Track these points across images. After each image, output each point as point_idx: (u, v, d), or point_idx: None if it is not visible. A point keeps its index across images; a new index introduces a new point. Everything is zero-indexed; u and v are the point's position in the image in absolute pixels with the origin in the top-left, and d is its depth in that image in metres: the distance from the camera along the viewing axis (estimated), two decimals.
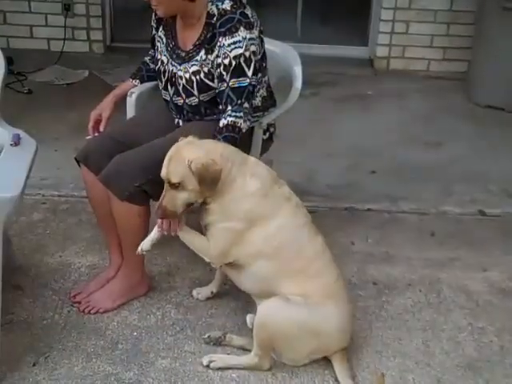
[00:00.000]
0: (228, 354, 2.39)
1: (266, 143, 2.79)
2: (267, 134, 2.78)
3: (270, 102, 2.76)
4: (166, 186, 2.21)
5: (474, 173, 3.79)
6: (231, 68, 2.45)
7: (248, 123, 2.50)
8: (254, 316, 2.31)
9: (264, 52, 2.62)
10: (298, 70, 2.91)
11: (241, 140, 2.49)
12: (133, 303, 2.62)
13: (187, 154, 2.18)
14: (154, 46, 2.77)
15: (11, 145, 2.38)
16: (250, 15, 2.49)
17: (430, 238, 3.18)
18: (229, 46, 2.44)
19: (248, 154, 2.59)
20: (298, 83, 2.90)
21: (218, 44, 2.46)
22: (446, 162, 3.91)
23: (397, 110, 4.65)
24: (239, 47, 2.44)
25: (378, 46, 5.36)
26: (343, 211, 3.37)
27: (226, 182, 2.20)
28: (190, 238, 2.33)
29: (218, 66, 2.48)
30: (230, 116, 2.44)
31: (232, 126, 2.44)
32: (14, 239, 2.84)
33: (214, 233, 2.27)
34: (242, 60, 2.45)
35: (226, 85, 2.47)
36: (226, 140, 2.41)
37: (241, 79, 2.46)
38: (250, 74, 2.47)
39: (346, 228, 3.21)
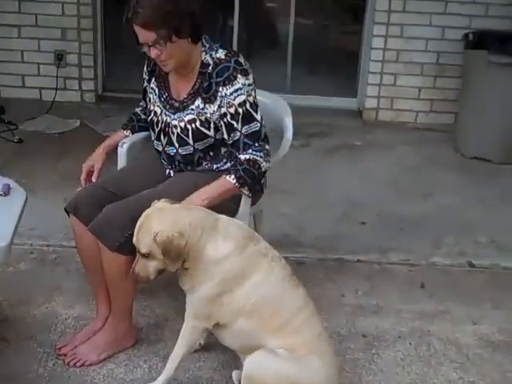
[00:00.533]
0: None
1: (257, 194, 2.80)
2: (257, 185, 2.79)
3: None
4: (137, 256, 2.24)
5: (462, 224, 3.81)
6: (240, 116, 2.49)
7: (268, 164, 2.53)
8: (240, 372, 2.29)
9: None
10: (288, 121, 2.94)
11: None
12: (119, 356, 2.58)
13: (154, 225, 2.18)
14: (145, 97, 2.79)
15: (0, 195, 2.38)
16: (243, 63, 2.54)
17: (420, 290, 3.17)
18: (231, 94, 2.48)
19: (239, 204, 2.63)
20: (289, 134, 2.92)
21: (219, 94, 2.49)
22: (434, 213, 3.94)
23: (385, 160, 4.70)
24: (241, 94, 2.48)
25: (366, 97, 5.45)
26: (332, 262, 3.36)
27: (197, 249, 2.20)
28: (174, 355, 2.35)
29: (224, 115, 2.51)
30: (252, 154, 2.49)
31: (253, 162, 2.49)
32: (0, 290, 2.81)
33: (193, 302, 2.29)
34: (248, 106, 2.49)
35: (238, 134, 2.51)
36: (246, 173, 2.47)
37: (252, 124, 2.51)
38: (258, 117, 2.52)
39: (336, 279, 3.20)
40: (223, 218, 2.31)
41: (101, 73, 5.61)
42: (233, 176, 2.48)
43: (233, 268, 2.22)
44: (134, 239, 2.23)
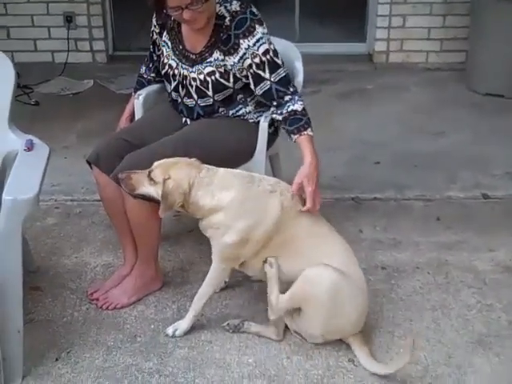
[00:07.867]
0: (241, 344, 2.44)
1: (272, 137, 2.85)
2: (272, 128, 2.84)
3: None
4: (146, 171, 2.32)
5: (476, 158, 3.85)
6: (266, 65, 2.53)
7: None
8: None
9: None
10: (299, 65, 2.95)
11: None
12: (148, 298, 2.69)
13: (173, 171, 2.28)
14: (154, 50, 2.83)
15: (25, 150, 2.45)
16: (256, 12, 2.57)
17: (436, 223, 3.24)
18: (254, 45, 2.52)
19: (255, 148, 2.71)
20: (300, 77, 2.93)
21: (242, 46, 2.53)
22: (448, 150, 3.98)
23: (398, 102, 4.73)
24: (263, 43, 2.52)
25: (376, 40, 5.44)
26: (350, 201, 3.43)
27: (194, 203, 2.29)
28: (202, 293, 2.45)
29: (249, 66, 2.55)
30: (301, 101, 2.55)
31: (305, 110, 2.57)
32: (30, 243, 2.90)
33: (219, 248, 2.36)
34: (271, 54, 2.54)
35: (268, 82, 2.55)
36: (311, 121, 2.54)
37: (279, 71, 2.56)
38: (281, 63, 2.57)
39: (354, 217, 3.28)
40: (219, 171, 2.35)
41: (111, 32, 5.65)
42: (309, 128, 2.55)
43: (240, 212, 2.29)
44: (155, 164, 2.32)
